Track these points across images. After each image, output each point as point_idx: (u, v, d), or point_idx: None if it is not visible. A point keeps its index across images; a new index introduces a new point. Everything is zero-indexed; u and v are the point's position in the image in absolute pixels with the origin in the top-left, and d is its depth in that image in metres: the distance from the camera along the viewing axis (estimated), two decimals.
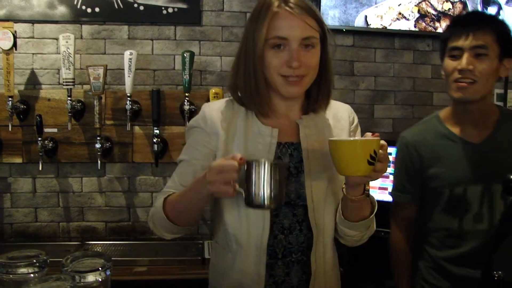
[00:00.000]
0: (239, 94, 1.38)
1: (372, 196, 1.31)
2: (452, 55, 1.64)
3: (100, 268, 0.76)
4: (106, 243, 2.54)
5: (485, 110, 1.70)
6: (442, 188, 1.68)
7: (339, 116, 1.45)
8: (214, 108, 1.40)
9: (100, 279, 0.76)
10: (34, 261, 0.81)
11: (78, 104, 2.52)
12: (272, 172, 1.11)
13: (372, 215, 1.32)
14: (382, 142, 1.14)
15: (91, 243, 2.55)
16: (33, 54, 2.58)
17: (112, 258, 2.22)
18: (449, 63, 1.65)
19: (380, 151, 1.13)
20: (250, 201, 1.13)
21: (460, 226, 1.65)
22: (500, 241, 1.23)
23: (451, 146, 1.70)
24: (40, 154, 2.42)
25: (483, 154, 1.66)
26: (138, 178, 2.67)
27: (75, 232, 2.64)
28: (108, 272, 0.77)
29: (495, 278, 1.18)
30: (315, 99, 1.40)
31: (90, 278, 0.74)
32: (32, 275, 0.77)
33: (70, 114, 2.45)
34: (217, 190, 1.10)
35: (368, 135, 1.15)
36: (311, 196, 1.33)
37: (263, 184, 1.11)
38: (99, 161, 2.47)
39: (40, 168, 2.43)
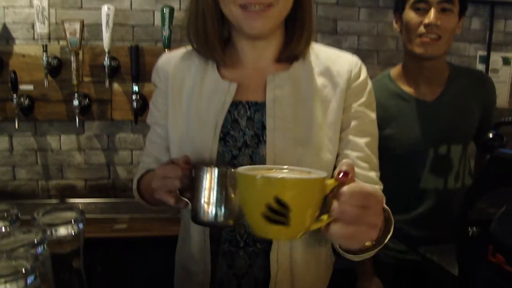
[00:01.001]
0: (191, 39, 1.11)
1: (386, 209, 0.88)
2: (417, 8, 1.57)
3: (72, 221, 0.74)
4: (86, 201, 2.53)
5: (439, 67, 1.68)
6: (399, 150, 1.66)
7: (335, 70, 1.09)
8: (167, 60, 1.17)
9: (73, 232, 0.74)
10: (5, 215, 0.79)
11: (55, 60, 2.44)
12: (226, 181, 0.88)
13: (387, 237, 0.87)
14: (356, 187, 0.71)
15: (71, 202, 2.53)
16: (4, 7, 2.47)
17: (92, 216, 2.23)
18: (412, 16, 1.58)
19: (344, 197, 0.70)
20: (196, 216, 0.91)
21: (417, 187, 1.66)
22: (476, 198, 1.25)
23: (404, 105, 1.67)
24: (16, 112, 2.37)
25: (436, 112, 1.65)
26: (117, 136, 2.63)
27: (54, 190, 2.61)
28: (80, 225, 0.76)
29: (470, 235, 1.19)
30: (289, 39, 1.09)
31: (62, 231, 0.73)
32: (3, 228, 0.75)
33: (46, 70, 2.37)
34: (160, 198, 0.95)
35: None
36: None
37: (212, 196, 0.88)
38: (77, 119, 2.42)
39: (17, 127, 2.38)
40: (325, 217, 0.71)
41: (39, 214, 0.77)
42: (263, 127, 1.06)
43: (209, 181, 0.88)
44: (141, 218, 2.22)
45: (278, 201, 0.63)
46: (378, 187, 1.08)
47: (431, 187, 1.65)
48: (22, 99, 2.43)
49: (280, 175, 0.67)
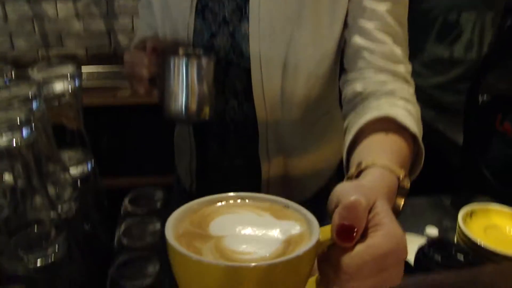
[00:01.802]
0: None
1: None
2: None
3: (68, 76, 0.71)
4: (88, 70, 2.49)
5: None
6: (435, 15, 1.60)
7: None
8: None
9: (70, 87, 0.71)
10: None
11: None
12: (195, 71, 0.80)
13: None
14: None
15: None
16: None
17: (95, 84, 2.20)
18: None
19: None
20: (165, 109, 0.84)
21: (451, 54, 1.62)
22: (491, 66, 1.20)
23: None
24: None
25: None
26: (117, 1, 2.51)
27: (55, 59, 2.57)
28: (77, 81, 0.73)
29: (479, 103, 1.17)
30: None
31: (58, 86, 0.70)
32: None
33: None
34: (131, 86, 0.90)
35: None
36: (258, 56, 0.91)
37: (180, 88, 0.80)
38: None
39: None
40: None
41: (34, 69, 0.73)
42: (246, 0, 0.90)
43: (177, 71, 0.80)
44: None
45: None
46: (404, 89, 0.82)
47: (465, 55, 1.61)
48: None
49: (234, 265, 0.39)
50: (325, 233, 0.43)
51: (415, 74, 1.14)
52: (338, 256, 0.43)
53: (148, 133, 2.03)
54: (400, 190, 0.59)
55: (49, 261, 0.64)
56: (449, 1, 1.59)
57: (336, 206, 0.45)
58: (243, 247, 0.40)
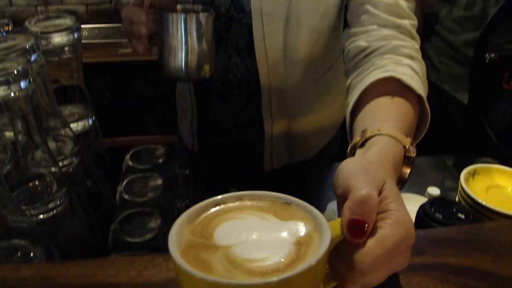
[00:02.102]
0: None
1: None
2: None
3: (67, 29, 0.70)
4: (89, 27, 2.45)
5: None
6: None
7: None
8: None
9: (68, 40, 0.70)
10: None
11: None
12: (194, 27, 0.78)
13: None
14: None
15: None
16: None
17: (96, 41, 2.17)
18: None
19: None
20: (164, 68, 0.82)
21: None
22: (498, 23, 1.17)
23: None
24: None
25: None
26: None
27: None
28: (76, 34, 0.71)
29: (486, 61, 1.15)
30: None
31: (57, 39, 0.68)
32: None
33: None
34: (130, 44, 0.88)
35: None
36: (259, 11, 0.90)
37: (179, 45, 0.79)
38: None
39: None
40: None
41: (31, 22, 0.71)
42: None
43: (175, 28, 0.78)
44: None
45: None
46: (409, 45, 0.78)
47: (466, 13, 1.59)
48: None
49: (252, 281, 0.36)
50: (334, 229, 0.41)
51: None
52: (350, 252, 0.41)
53: (151, 91, 2.01)
54: (406, 160, 0.58)
55: (51, 214, 0.64)
56: None
57: (344, 192, 0.43)
58: (254, 254, 0.38)
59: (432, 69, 1.72)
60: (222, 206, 0.44)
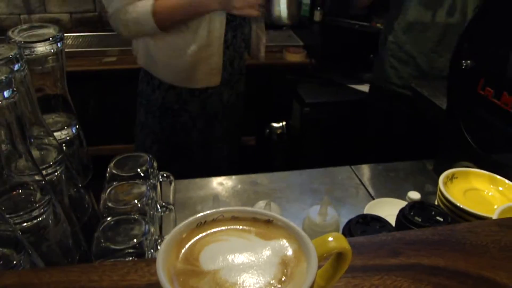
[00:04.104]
0: None
1: None
2: None
3: (50, 39, 0.70)
4: (73, 35, 2.45)
5: None
6: None
7: None
8: None
9: (52, 50, 0.71)
10: None
11: None
12: None
13: None
14: None
15: None
16: None
17: (81, 49, 2.16)
18: None
19: None
20: (270, 18, 1.29)
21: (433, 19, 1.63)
22: (475, 31, 1.20)
23: None
24: None
25: None
26: None
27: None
28: (60, 44, 0.72)
29: (463, 67, 1.17)
30: None
31: (40, 48, 0.69)
32: None
33: None
34: (242, 13, 1.27)
35: None
36: None
37: (283, 4, 1.24)
38: None
39: None
40: None
41: (14, 32, 0.72)
42: None
43: None
44: (130, 50, 2.18)
45: None
46: None
47: (418, 20, 1.62)
48: None
49: None
50: (318, 248, 0.41)
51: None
52: None
53: (134, 99, 2.02)
54: None
55: (35, 222, 0.64)
56: None
57: None
58: (243, 277, 0.39)
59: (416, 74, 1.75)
60: (205, 226, 0.44)
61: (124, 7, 1.26)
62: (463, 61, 1.15)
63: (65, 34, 2.33)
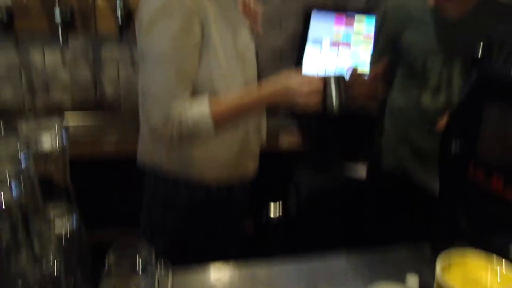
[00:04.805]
0: None
1: None
2: None
3: (56, 136, 0.73)
4: (74, 118, 2.50)
5: None
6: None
7: None
8: None
9: (57, 147, 0.73)
10: None
11: None
12: (341, 84, 1.33)
13: None
14: None
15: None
16: None
17: (81, 137, 2.17)
18: None
19: None
20: (324, 109, 1.34)
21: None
22: (462, 115, 1.22)
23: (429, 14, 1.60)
24: None
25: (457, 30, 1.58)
26: (103, 51, 2.56)
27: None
28: (65, 140, 0.74)
29: (452, 152, 1.19)
30: None
31: (46, 145, 0.72)
32: None
33: None
34: (308, 105, 1.29)
35: None
36: None
37: (334, 95, 1.33)
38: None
39: None
40: None
41: (22, 127, 0.75)
42: None
43: (334, 85, 1.32)
44: (131, 138, 2.22)
45: None
46: None
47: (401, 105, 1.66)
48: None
49: None
50: None
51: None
52: None
53: (136, 187, 2.03)
54: None
55: None
56: (416, 47, 1.61)
57: None
58: None
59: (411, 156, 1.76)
60: None
61: (185, 111, 1.24)
62: (452, 144, 1.15)
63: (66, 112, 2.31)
